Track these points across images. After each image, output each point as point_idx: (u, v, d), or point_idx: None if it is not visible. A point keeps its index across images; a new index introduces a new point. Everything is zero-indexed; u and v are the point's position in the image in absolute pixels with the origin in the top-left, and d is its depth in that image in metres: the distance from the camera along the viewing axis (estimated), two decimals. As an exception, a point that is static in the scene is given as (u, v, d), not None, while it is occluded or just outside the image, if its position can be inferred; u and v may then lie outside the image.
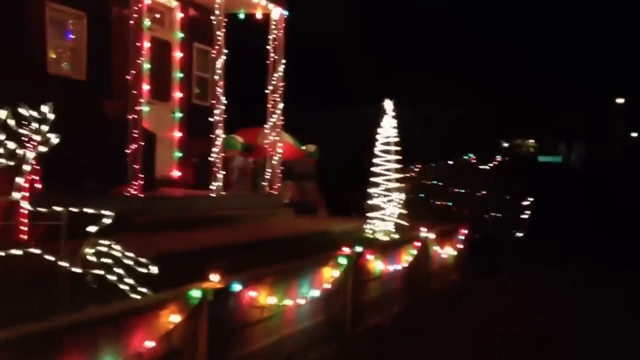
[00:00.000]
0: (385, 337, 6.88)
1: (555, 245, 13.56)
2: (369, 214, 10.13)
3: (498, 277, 10.77)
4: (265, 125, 11.18)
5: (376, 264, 7.32)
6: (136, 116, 8.11)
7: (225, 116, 9.80)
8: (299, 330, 5.58)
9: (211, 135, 9.61)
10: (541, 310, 8.95)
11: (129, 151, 7.85)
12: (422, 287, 8.94)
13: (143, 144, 8.07)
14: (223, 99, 9.74)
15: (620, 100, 34.76)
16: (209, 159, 9.61)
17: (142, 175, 7.92)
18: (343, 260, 6.38)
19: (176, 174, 10.52)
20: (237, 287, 4.43)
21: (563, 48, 30.30)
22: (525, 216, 13.22)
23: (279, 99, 11.11)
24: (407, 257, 8.34)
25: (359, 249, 6.80)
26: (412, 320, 7.59)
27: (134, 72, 8.18)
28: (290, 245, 7.93)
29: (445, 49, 24.86)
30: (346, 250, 6.53)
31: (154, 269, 4.18)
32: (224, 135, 9.74)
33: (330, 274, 6.15)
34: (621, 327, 8.17)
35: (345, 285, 6.51)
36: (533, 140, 33.67)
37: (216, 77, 9.71)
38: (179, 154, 10.56)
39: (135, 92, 8.20)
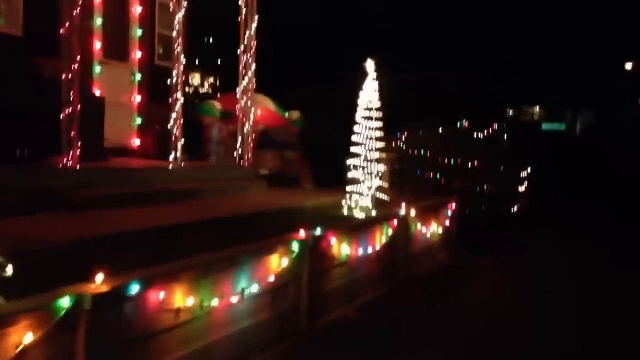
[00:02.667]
0: (349, 332, 5.99)
1: (555, 221, 12.62)
2: (348, 188, 9.23)
3: (491, 258, 9.83)
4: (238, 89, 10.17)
5: (342, 248, 6.39)
6: (77, 76, 7.09)
7: (184, 77, 8.79)
8: (235, 332, 4.69)
9: (170, 99, 8.61)
10: (543, 299, 7.96)
11: (63, 116, 6.87)
12: (401, 271, 8.04)
13: (83, 108, 7.08)
14: (183, 59, 8.71)
15: (629, 67, 33.31)
16: (173, 127, 8.64)
17: (81, 144, 6.95)
18: (296, 246, 5.46)
19: (136, 143, 9.56)
20: (135, 288, 3.51)
21: (572, 10, 28.79)
22: (524, 189, 12.21)
23: (251, 61, 10.06)
24: (382, 238, 7.42)
25: (318, 231, 5.87)
26: (384, 312, 6.69)
27: (82, 27, 7.16)
28: (249, 225, 7.03)
29: (444, 9, 23.49)
30: (302, 233, 5.61)
31: (9, 270, 3.24)
32: (182, 99, 8.71)
33: (278, 263, 5.23)
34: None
35: (300, 275, 5.61)
36: (539, 107, 32.35)
37: (174, 34, 8.66)
38: (139, 121, 9.59)
39: (83, 50, 7.19)
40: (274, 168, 12.55)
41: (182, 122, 8.68)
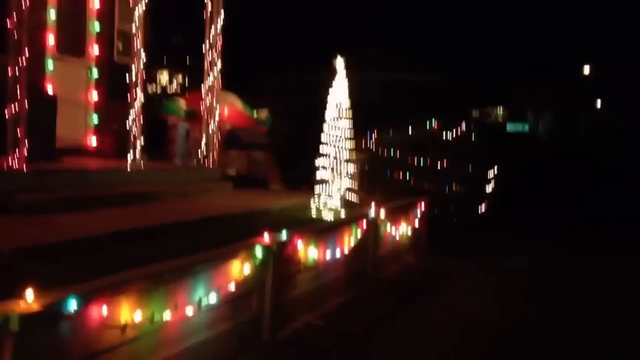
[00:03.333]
0: (315, 341, 5.69)
1: (521, 222, 12.54)
2: (317, 189, 8.94)
3: (461, 260, 9.64)
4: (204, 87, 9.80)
5: (309, 252, 6.10)
6: (24, 72, 6.64)
7: (144, 74, 8.40)
8: (191, 347, 4.35)
9: (128, 97, 8.20)
10: (507, 300, 7.79)
11: (8, 114, 6.41)
12: (369, 275, 7.78)
13: (32, 105, 6.63)
14: (143, 55, 8.31)
15: (587, 69, 33.90)
16: (132, 126, 8.24)
17: (29, 144, 6.51)
18: (259, 252, 5.14)
19: (93, 142, 9.11)
20: (72, 304, 3.16)
21: (534, 15, 29.11)
22: (490, 190, 12.11)
23: (217, 57, 9.70)
24: (351, 241, 7.14)
25: (283, 235, 5.56)
26: (352, 320, 6.41)
27: (33, 20, 6.72)
28: (213, 229, 6.70)
29: (411, 14, 23.39)
30: (266, 237, 5.29)
31: None
32: (142, 97, 8.31)
33: (240, 270, 4.91)
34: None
35: (263, 283, 5.29)
36: (502, 108, 32.61)
37: (133, 28, 8.26)
38: (95, 119, 9.14)
39: (33, 44, 6.75)
40: (241, 168, 12.20)
41: (142, 120, 8.29)
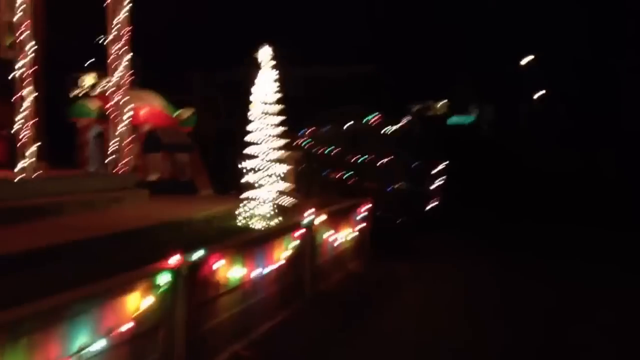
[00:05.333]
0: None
1: (467, 220, 11.92)
2: (245, 194, 7.96)
3: (408, 263, 8.86)
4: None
5: (231, 271, 5.11)
6: None
7: (34, 70, 7.14)
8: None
9: (14, 98, 6.97)
10: (468, 314, 6.95)
11: None
12: (307, 289, 6.85)
13: None
14: (30, 47, 7.07)
15: (526, 60, 34.15)
16: (21, 129, 7.00)
17: None
18: (164, 278, 4.12)
19: (-20, 150, 7.81)
20: None
21: (473, 4, 28.94)
22: (436, 186, 11.41)
23: (123, 51, 8.55)
24: (283, 253, 6.19)
25: (198, 254, 4.56)
26: (284, 347, 5.46)
27: None
28: (116, 247, 5.62)
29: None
30: (174, 259, 4.28)
31: None
32: (31, 97, 7.06)
33: (138, 303, 3.87)
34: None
35: (172, 315, 4.27)
36: (445, 101, 32.32)
37: (16, 19, 7.02)
38: (-19, 124, 7.84)
39: None
40: (164, 173, 11.06)
41: (35, 123, 7.06)
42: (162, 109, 11.41)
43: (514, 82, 33.03)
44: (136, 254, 5.02)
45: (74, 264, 4.82)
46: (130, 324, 3.76)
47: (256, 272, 5.54)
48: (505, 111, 32.78)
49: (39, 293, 3.37)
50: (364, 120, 11.97)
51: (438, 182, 12.00)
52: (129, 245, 5.51)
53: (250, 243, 5.66)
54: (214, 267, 4.80)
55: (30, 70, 6.97)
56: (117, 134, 8.53)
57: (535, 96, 34.87)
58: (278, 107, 7.83)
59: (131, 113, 8.95)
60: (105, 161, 8.99)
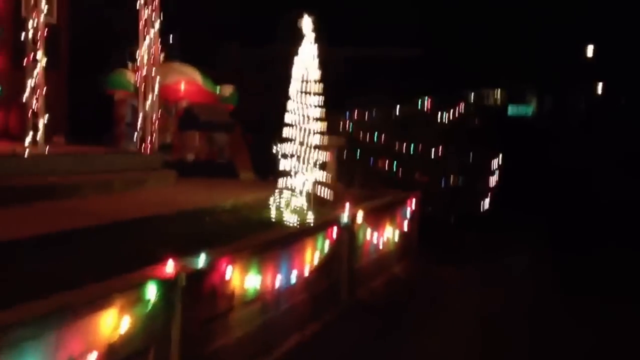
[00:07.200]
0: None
1: (528, 219, 10.62)
2: (280, 181, 7.08)
3: (460, 268, 7.81)
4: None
5: (248, 279, 4.22)
6: None
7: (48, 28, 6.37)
8: None
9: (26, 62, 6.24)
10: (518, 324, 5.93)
11: None
12: (343, 296, 5.93)
13: None
14: (44, 4, 6.30)
15: (589, 51, 32.02)
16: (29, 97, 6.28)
17: None
18: (152, 291, 3.25)
19: (-6, 120, 7.17)
20: None
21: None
22: (492, 183, 10.20)
23: (154, 16, 7.73)
24: (315, 256, 5.28)
25: (201, 259, 3.68)
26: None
27: None
28: (125, 238, 4.82)
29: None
30: (169, 266, 3.41)
31: None
32: (43, 61, 6.30)
33: (116, 324, 3.02)
34: None
35: (166, 335, 3.41)
36: (500, 91, 30.53)
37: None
38: (-3, 91, 7.20)
39: None
40: (201, 153, 10.31)
41: (44, 91, 6.31)
42: (201, 84, 10.62)
43: (575, 72, 31.03)
44: (133, 251, 4.20)
45: (57, 259, 4.01)
46: (94, 355, 2.89)
47: (281, 279, 4.65)
48: (565, 102, 30.85)
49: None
50: (415, 106, 10.82)
51: (494, 178, 10.80)
52: (130, 239, 4.69)
53: (274, 244, 4.75)
54: (224, 274, 3.92)
55: (42, 30, 6.19)
56: (144, 108, 7.75)
57: (597, 88, 32.77)
58: (319, 86, 6.87)
59: (157, 86, 8.15)
60: (134, 138, 8.27)
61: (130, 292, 3.15)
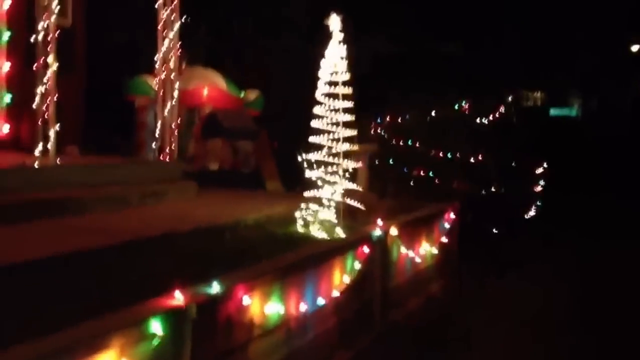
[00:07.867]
0: None
1: (580, 229, 9.80)
2: (307, 193, 6.54)
3: (506, 286, 7.14)
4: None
5: (268, 307, 3.69)
6: None
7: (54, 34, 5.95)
8: None
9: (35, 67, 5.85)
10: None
11: None
12: (376, 320, 5.34)
13: None
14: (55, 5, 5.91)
15: (634, 48, 30.67)
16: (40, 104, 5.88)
17: None
18: (157, 326, 2.74)
19: (5, 129, 6.80)
20: None
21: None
22: (539, 189, 9.47)
23: (173, 17, 7.31)
24: (344, 277, 4.71)
25: (214, 287, 3.16)
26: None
27: None
28: (137, 259, 4.35)
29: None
30: (178, 297, 2.90)
31: None
32: (55, 65, 5.89)
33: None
34: None
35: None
36: (540, 92, 29.34)
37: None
38: (8, 98, 6.82)
39: None
40: (225, 162, 9.84)
41: (55, 98, 5.91)
42: (224, 89, 10.18)
43: (621, 71, 29.76)
44: (143, 275, 3.71)
45: (53, 288, 3.53)
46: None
47: (306, 304, 4.10)
48: (610, 104, 29.54)
49: None
50: (452, 109, 10.15)
51: (538, 186, 10.07)
52: (140, 260, 4.20)
53: (297, 266, 4.20)
54: (241, 302, 3.39)
55: (54, 30, 5.79)
56: (162, 114, 7.32)
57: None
58: (348, 89, 6.32)
59: (177, 92, 7.71)
60: (153, 147, 7.85)
61: (132, 330, 2.64)
